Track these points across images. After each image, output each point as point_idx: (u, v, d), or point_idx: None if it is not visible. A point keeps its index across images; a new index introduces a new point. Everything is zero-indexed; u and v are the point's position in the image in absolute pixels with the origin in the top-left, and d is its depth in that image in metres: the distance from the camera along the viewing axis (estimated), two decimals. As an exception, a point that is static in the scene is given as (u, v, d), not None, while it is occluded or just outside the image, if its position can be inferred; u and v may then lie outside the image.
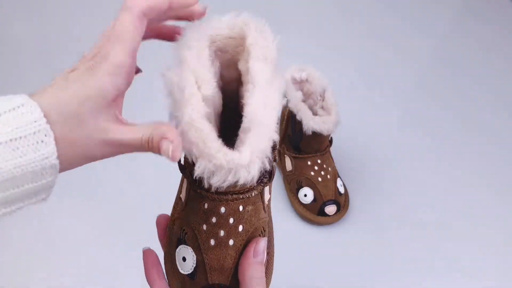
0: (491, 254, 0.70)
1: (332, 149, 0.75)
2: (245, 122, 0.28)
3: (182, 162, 0.35)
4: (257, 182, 0.32)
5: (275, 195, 0.75)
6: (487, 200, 0.79)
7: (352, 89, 0.99)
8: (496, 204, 0.78)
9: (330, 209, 0.70)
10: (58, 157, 0.24)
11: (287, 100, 0.69)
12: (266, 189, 0.35)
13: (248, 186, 0.31)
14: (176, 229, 0.35)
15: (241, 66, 0.32)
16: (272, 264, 0.37)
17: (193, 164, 0.28)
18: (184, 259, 0.33)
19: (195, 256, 0.33)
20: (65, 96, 0.25)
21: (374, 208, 0.75)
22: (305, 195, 0.71)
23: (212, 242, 0.32)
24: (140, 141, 0.26)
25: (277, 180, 0.78)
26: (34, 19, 1.12)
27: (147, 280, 0.35)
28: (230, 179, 0.27)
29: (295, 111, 0.68)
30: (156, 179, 0.73)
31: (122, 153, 0.27)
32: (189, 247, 0.33)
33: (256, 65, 0.29)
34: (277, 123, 0.29)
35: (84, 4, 1.19)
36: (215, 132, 0.27)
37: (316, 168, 0.71)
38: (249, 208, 0.33)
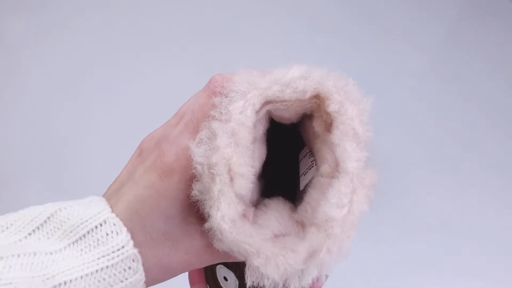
0: (491, 254, 0.70)
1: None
2: (314, 217, 0.21)
3: None
4: None
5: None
6: (488, 200, 0.78)
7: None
8: (496, 204, 0.78)
9: (331, 209, 0.70)
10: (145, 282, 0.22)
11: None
12: None
13: None
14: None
15: (316, 124, 0.23)
16: None
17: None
18: (225, 278, 0.30)
19: (237, 281, 0.29)
20: (139, 206, 0.22)
21: (374, 209, 0.75)
22: (306, 195, 0.71)
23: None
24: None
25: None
26: (34, 18, 1.12)
27: (190, 281, 0.33)
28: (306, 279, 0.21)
29: (295, 111, 0.68)
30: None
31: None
32: (231, 271, 0.29)
33: (347, 144, 0.22)
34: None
35: (84, 4, 1.19)
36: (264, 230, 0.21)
37: (316, 168, 0.71)
38: None
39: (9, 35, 1.06)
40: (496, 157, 0.87)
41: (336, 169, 0.21)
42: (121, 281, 0.21)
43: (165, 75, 0.99)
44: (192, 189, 0.21)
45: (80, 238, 0.21)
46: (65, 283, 0.20)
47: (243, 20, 1.22)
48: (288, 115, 0.23)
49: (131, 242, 0.21)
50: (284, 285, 0.21)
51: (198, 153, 0.21)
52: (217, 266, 0.31)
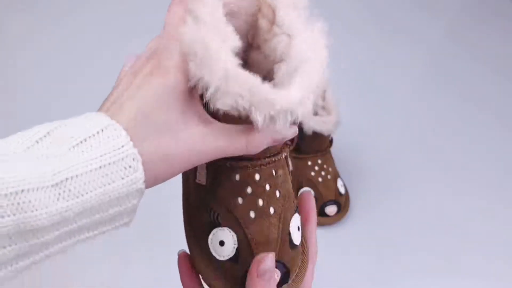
0: (492, 255, 0.70)
1: (332, 149, 0.75)
2: (290, 66, 0.27)
3: None
4: (282, 146, 0.32)
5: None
6: (489, 200, 0.78)
7: (352, 89, 0.99)
8: (497, 204, 0.78)
9: (331, 210, 0.70)
10: (145, 180, 0.24)
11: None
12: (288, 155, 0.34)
13: (275, 150, 0.31)
14: (202, 216, 0.31)
15: (261, 23, 0.29)
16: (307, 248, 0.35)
17: (239, 118, 0.25)
18: (222, 243, 0.30)
19: (235, 235, 0.30)
20: (141, 104, 0.24)
21: (374, 209, 0.75)
22: (306, 195, 0.71)
23: (252, 214, 0.30)
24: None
25: (278, 181, 0.78)
26: (34, 18, 1.12)
27: (184, 287, 0.33)
28: (290, 119, 0.25)
29: (295, 111, 0.68)
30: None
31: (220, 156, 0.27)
32: (225, 228, 0.30)
33: (288, 12, 0.28)
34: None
35: (84, 4, 1.19)
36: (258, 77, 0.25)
37: (316, 168, 0.71)
38: (280, 172, 0.32)
39: (7, 32, 1.06)
40: (496, 156, 0.87)
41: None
42: (122, 178, 0.23)
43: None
44: (191, 69, 0.24)
45: (81, 142, 0.23)
46: (71, 178, 0.22)
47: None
48: (240, 22, 0.29)
49: (131, 143, 0.23)
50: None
51: (190, 33, 0.25)
52: (210, 236, 0.31)
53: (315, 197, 0.70)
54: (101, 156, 0.22)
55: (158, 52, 0.26)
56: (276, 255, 0.30)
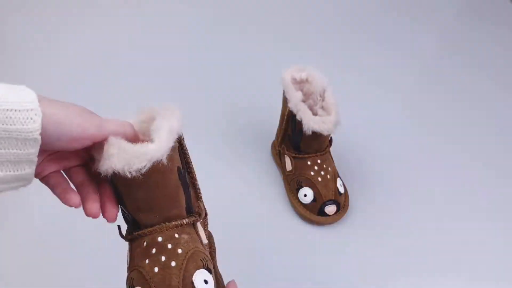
0: (492, 255, 0.70)
1: (332, 149, 0.75)
2: (153, 135, 0.37)
3: (124, 233, 0.41)
4: (187, 216, 0.40)
5: (275, 195, 0.75)
6: (489, 200, 0.79)
7: (352, 89, 0.99)
8: (498, 204, 0.78)
9: (330, 209, 0.70)
10: (41, 134, 0.30)
11: (288, 100, 0.70)
12: (200, 227, 0.41)
13: (180, 218, 0.39)
14: (127, 281, 0.38)
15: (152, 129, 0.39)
16: None
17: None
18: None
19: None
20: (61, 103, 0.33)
21: (374, 208, 0.75)
22: (305, 195, 0.71)
23: (156, 269, 0.36)
24: (124, 133, 0.36)
25: (277, 180, 0.78)
26: (34, 18, 1.12)
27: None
28: (143, 159, 0.34)
29: (295, 111, 0.68)
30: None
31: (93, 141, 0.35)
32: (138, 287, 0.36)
33: (159, 121, 0.37)
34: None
35: (83, 3, 1.19)
36: (125, 142, 0.35)
37: (316, 168, 0.71)
38: (185, 236, 0.39)
39: (10, 35, 1.06)
40: (495, 157, 0.88)
41: None
42: (22, 125, 0.29)
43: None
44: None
45: (1, 91, 0.29)
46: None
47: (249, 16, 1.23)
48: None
49: (37, 102, 0.30)
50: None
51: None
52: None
53: (315, 196, 0.70)
54: (12, 102, 0.29)
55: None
56: None
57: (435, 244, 0.71)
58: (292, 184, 0.73)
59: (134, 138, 0.38)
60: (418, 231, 0.72)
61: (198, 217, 0.41)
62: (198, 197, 0.44)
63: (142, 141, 0.38)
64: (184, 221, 0.39)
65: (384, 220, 0.73)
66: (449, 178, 0.82)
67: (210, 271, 0.38)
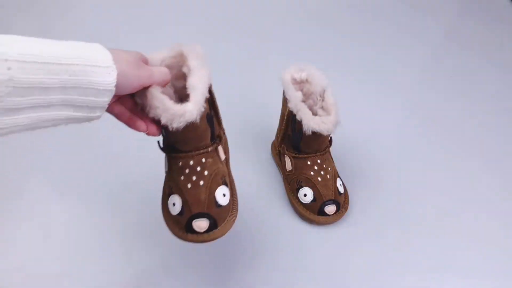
0: (492, 254, 0.70)
1: (332, 149, 0.75)
2: (188, 89, 0.47)
3: (161, 145, 0.53)
4: (211, 142, 0.52)
5: (275, 195, 0.76)
6: (489, 200, 0.79)
7: (352, 89, 0.99)
8: (498, 203, 0.78)
9: (330, 209, 0.70)
10: (116, 86, 0.39)
11: (288, 100, 0.70)
12: (220, 149, 0.54)
13: (206, 147, 0.51)
14: (165, 189, 0.52)
15: (184, 69, 0.50)
16: (237, 211, 0.52)
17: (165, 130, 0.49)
18: (173, 204, 0.50)
19: (180, 199, 0.49)
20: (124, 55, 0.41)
21: (373, 208, 0.75)
22: (305, 195, 0.71)
23: (189, 185, 0.49)
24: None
25: (277, 180, 0.78)
26: (34, 18, 1.12)
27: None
28: (182, 120, 0.44)
29: (295, 111, 0.68)
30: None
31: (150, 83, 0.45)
32: (175, 195, 0.50)
33: (191, 62, 0.48)
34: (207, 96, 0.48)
35: (83, 4, 1.19)
36: (168, 99, 0.45)
37: (316, 168, 0.71)
38: (209, 160, 0.51)
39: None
40: (496, 155, 0.88)
41: None
42: (103, 77, 0.37)
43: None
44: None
45: (89, 48, 0.38)
46: (75, 64, 0.36)
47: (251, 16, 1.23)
48: (174, 71, 0.51)
49: (112, 62, 0.38)
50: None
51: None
52: (168, 199, 0.51)
53: (315, 196, 0.70)
54: (96, 60, 0.37)
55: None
56: (205, 210, 0.48)
57: (435, 243, 0.71)
58: (292, 184, 0.73)
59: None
60: (418, 230, 0.72)
61: (219, 142, 0.54)
62: (219, 121, 0.58)
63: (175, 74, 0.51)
64: (209, 149, 0.51)
65: (384, 220, 0.73)
66: (449, 178, 0.82)
67: (227, 185, 0.51)
